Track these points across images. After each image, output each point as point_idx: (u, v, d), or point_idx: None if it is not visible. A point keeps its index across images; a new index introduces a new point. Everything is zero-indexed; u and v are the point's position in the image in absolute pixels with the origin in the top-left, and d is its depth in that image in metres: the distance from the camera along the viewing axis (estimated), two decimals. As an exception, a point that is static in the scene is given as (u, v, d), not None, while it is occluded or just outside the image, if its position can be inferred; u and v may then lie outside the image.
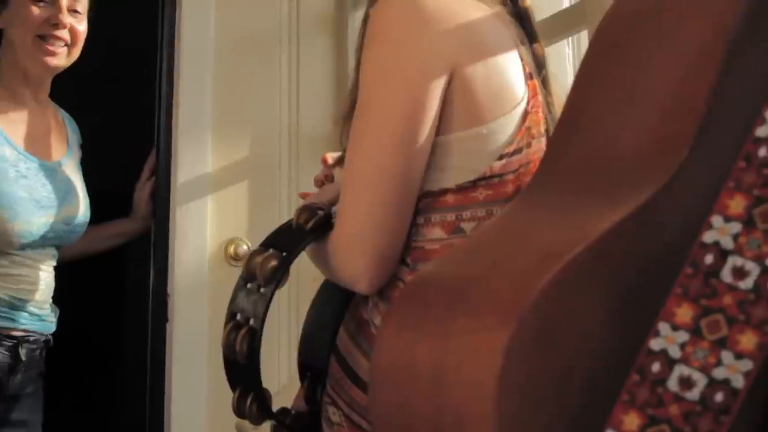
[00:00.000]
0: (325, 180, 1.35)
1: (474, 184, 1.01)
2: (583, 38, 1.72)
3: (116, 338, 3.78)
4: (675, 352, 0.52)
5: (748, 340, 0.53)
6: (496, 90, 1.03)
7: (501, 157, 1.02)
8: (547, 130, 1.09)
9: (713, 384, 0.52)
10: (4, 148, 1.79)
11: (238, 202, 2.26)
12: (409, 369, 0.54)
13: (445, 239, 1.01)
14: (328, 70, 2.39)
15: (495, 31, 1.07)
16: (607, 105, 0.65)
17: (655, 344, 0.52)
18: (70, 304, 1.99)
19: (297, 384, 1.14)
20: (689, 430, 0.52)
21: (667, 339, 0.52)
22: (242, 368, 0.99)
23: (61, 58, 1.88)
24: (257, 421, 1.02)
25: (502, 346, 0.49)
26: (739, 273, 0.54)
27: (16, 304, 1.78)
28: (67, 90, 2.06)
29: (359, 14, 2.34)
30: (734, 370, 0.53)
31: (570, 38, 1.76)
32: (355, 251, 0.99)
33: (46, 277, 1.88)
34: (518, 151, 1.03)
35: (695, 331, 0.52)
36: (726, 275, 0.54)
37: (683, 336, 0.52)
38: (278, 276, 0.99)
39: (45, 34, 1.85)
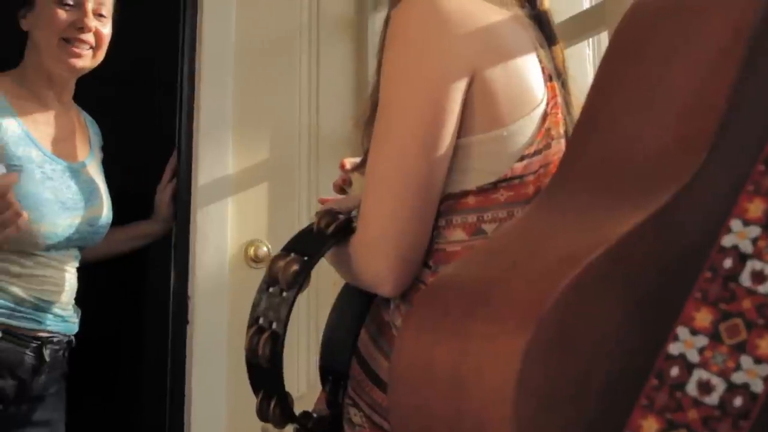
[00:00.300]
0: (343, 185, 1.35)
1: (495, 186, 1.01)
2: (604, 39, 1.72)
3: (136, 340, 3.79)
4: (694, 357, 0.52)
5: (767, 345, 0.53)
6: (516, 92, 1.04)
7: (521, 159, 1.02)
8: (566, 132, 1.09)
9: (732, 388, 0.52)
10: (30, 149, 1.80)
11: (258, 204, 2.27)
12: (428, 371, 0.54)
13: (466, 241, 1.01)
14: (348, 72, 2.39)
15: (514, 33, 1.07)
16: (627, 105, 0.65)
17: (673, 348, 0.52)
18: (91, 306, 2.01)
19: (317, 390, 1.14)
20: (708, 435, 0.52)
21: (685, 343, 0.52)
22: (265, 372, 0.99)
23: (86, 60, 1.90)
24: (280, 425, 1.02)
25: (521, 349, 0.49)
26: (758, 277, 0.54)
27: (41, 306, 1.80)
28: (89, 92, 2.07)
29: (379, 16, 2.35)
30: (753, 375, 0.52)
31: (590, 39, 1.76)
32: (378, 254, 1.00)
33: (69, 278, 1.89)
34: (538, 152, 1.03)
35: (714, 336, 0.52)
36: (745, 279, 0.54)
37: (702, 340, 0.52)
38: (300, 280, 0.99)
39: (70, 37, 1.87)
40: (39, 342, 1.80)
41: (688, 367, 0.52)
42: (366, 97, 2.28)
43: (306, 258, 1.01)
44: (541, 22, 1.14)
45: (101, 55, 1.95)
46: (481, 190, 1.02)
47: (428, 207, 1.01)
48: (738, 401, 0.52)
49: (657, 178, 0.56)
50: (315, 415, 1.09)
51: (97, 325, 2.07)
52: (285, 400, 1.01)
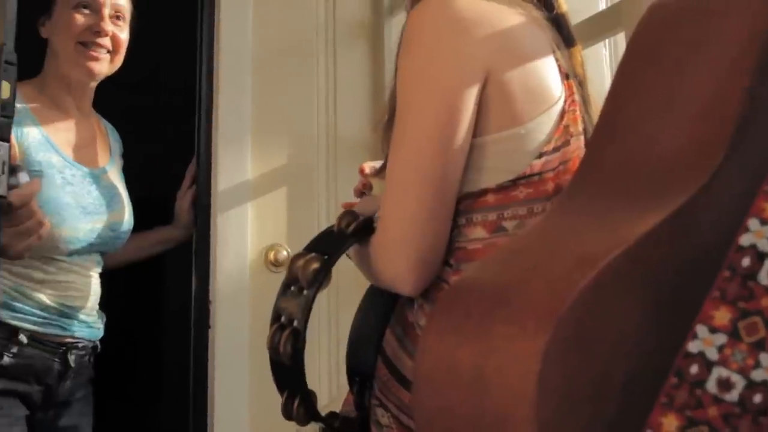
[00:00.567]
0: (363, 189, 1.36)
1: (514, 183, 1.03)
2: (620, 40, 1.72)
3: (156, 344, 3.82)
4: (713, 355, 0.52)
5: (786, 342, 0.53)
6: (533, 90, 1.05)
7: (540, 156, 1.03)
8: (585, 129, 1.10)
9: (752, 386, 0.53)
10: (50, 155, 1.82)
11: (277, 209, 2.28)
12: (451, 373, 0.55)
13: (487, 238, 1.02)
14: (365, 76, 2.41)
15: (530, 34, 1.08)
16: (645, 109, 0.65)
17: (692, 347, 0.52)
18: (112, 311, 2.02)
19: (342, 396, 1.15)
20: (728, 432, 0.52)
21: (704, 341, 0.52)
22: (287, 369, 1.01)
23: (104, 64, 1.91)
24: (303, 423, 1.03)
25: (541, 350, 0.49)
26: (777, 275, 0.55)
27: (66, 312, 1.81)
28: (108, 99, 2.09)
29: (396, 20, 2.36)
30: (772, 372, 0.53)
31: (607, 40, 1.76)
32: (398, 255, 1.01)
33: (93, 283, 1.91)
34: (557, 149, 1.04)
35: (733, 334, 0.52)
36: (763, 278, 0.55)
37: (721, 338, 0.52)
38: (320, 278, 1.01)
39: (87, 41, 1.88)
40: (64, 348, 1.82)
41: (707, 365, 0.52)
42: (383, 100, 2.30)
43: (326, 256, 1.02)
44: (558, 24, 1.15)
45: (119, 61, 1.96)
46: (501, 188, 1.03)
47: (446, 207, 1.02)
48: (758, 398, 0.53)
49: (674, 180, 0.57)
50: (342, 415, 1.10)
51: (119, 330, 2.09)
52: (308, 398, 1.03)
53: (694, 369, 0.52)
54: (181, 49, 2.51)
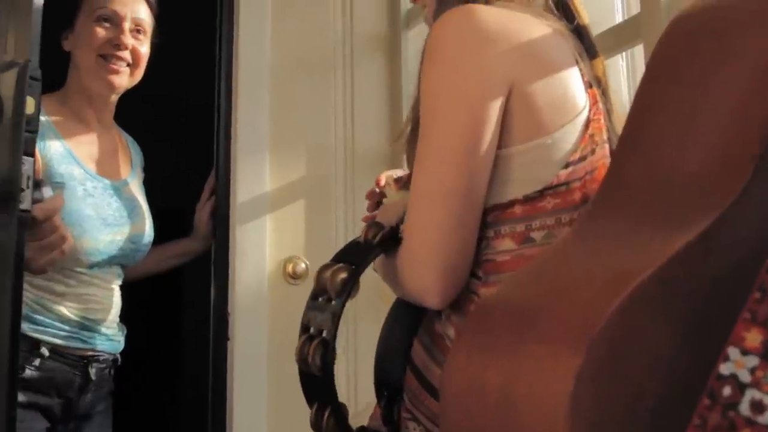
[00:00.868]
0: (379, 199, 1.37)
1: (541, 194, 1.03)
2: (638, 52, 1.72)
3: (177, 357, 3.83)
4: (745, 377, 0.52)
5: (817, 364, 0.53)
6: (558, 100, 1.05)
7: (567, 165, 1.03)
8: (609, 138, 1.10)
9: (784, 408, 0.53)
10: (72, 167, 1.83)
11: (295, 221, 2.29)
12: (479, 393, 0.55)
13: (515, 250, 1.02)
14: (382, 89, 2.41)
15: (555, 44, 1.08)
16: (668, 124, 0.65)
17: (724, 369, 0.52)
18: (131, 323, 2.03)
19: (367, 409, 1.15)
20: (761, 454, 0.52)
21: (736, 363, 0.52)
22: (317, 381, 1.01)
23: (123, 77, 1.93)
24: None
25: (573, 372, 0.49)
26: (808, 296, 0.54)
27: (86, 325, 1.82)
28: (129, 112, 2.10)
29: (412, 33, 2.37)
30: (805, 394, 0.53)
31: (624, 52, 1.76)
32: (425, 266, 1.01)
33: (113, 296, 1.92)
34: (583, 158, 1.04)
35: (765, 356, 0.52)
36: (794, 298, 0.55)
37: (753, 360, 0.52)
38: (348, 288, 1.01)
39: (107, 53, 1.90)
40: (85, 361, 1.82)
41: (740, 387, 0.52)
42: (400, 113, 2.31)
43: (354, 267, 1.02)
44: (580, 35, 1.15)
45: (139, 74, 1.98)
46: (528, 199, 1.03)
47: (472, 218, 1.02)
48: (790, 420, 0.52)
49: (702, 199, 0.57)
50: (371, 430, 1.09)
51: (137, 342, 2.10)
52: (339, 410, 1.02)
53: (726, 391, 0.52)
54: (201, 63, 2.52)
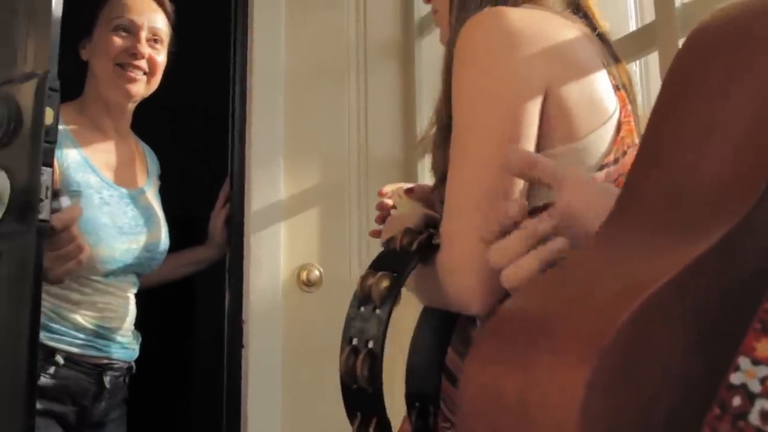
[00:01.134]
0: (383, 209, 1.36)
1: None
2: (652, 60, 1.72)
3: (191, 363, 3.84)
4: (755, 387, 0.52)
5: (829, 374, 0.53)
6: (590, 103, 1.04)
7: (602, 168, 1.03)
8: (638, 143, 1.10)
9: (795, 417, 0.53)
10: (89, 175, 1.85)
11: (309, 229, 2.30)
12: (494, 402, 0.56)
13: None
14: (396, 95, 2.42)
15: (583, 47, 1.08)
16: (686, 135, 0.65)
17: (735, 378, 0.53)
18: (145, 330, 2.04)
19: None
20: (772, 463, 0.52)
21: (747, 373, 0.53)
22: (365, 394, 0.96)
23: (140, 85, 1.95)
24: None
25: (584, 380, 0.50)
26: (819, 307, 0.55)
27: (102, 333, 1.83)
28: (145, 120, 2.12)
29: (426, 40, 2.38)
30: (816, 404, 0.53)
31: (638, 60, 1.76)
32: (469, 273, 0.98)
33: (129, 304, 1.93)
34: (616, 161, 1.04)
35: (775, 365, 0.53)
36: (805, 308, 0.55)
37: (764, 370, 0.53)
38: (393, 295, 0.97)
39: (124, 62, 1.92)
40: (100, 369, 1.84)
41: (750, 397, 0.52)
42: (414, 119, 2.31)
43: (395, 274, 0.99)
44: (603, 40, 1.15)
45: (155, 83, 2.00)
46: None
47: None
48: (801, 430, 0.53)
49: (717, 209, 0.57)
50: None
51: (151, 349, 2.11)
52: (386, 424, 0.98)
53: (736, 401, 0.52)
54: (216, 72, 2.54)
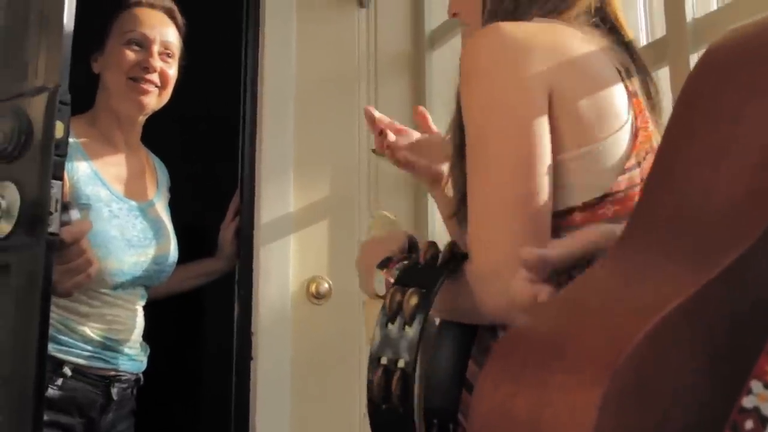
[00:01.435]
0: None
1: (601, 201, 1.02)
2: (663, 75, 1.71)
3: (200, 376, 3.84)
4: (767, 410, 0.52)
5: (842, 398, 0.53)
6: (601, 108, 1.04)
7: (624, 172, 1.03)
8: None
9: (808, 441, 0.53)
10: (98, 188, 1.85)
11: (319, 241, 2.30)
12: (506, 421, 0.56)
13: None
14: (407, 108, 2.42)
15: (592, 53, 1.08)
16: (700, 156, 0.65)
17: (747, 402, 0.52)
18: (154, 342, 2.04)
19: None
20: (785, 487, 0.52)
21: (759, 397, 0.52)
22: (394, 415, 0.94)
23: (152, 98, 1.95)
24: None
25: (597, 401, 0.50)
26: (832, 330, 0.54)
27: (110, 345, 1.83)
28: (154, 131, 2.12)
29: (437, 53, 2.38)
30: (828, 428, 0.53)
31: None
32: (504, 284, 0.94)
33: (137, 317, 1.93)
34: (638, 165, 1.04)
35: (788, 389, 0.52)
36: (819, 331, 0.55)
37: (776, 394, 0.52)
38: (423, 312, 0.95)
39: (137, 76, 1.93)
40: (108, 381, 1.84)
41: (762, 421, 0.52)
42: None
43: (424, 290, 0.97)
44: (628, 49, 1.16)
45: (167, 96, 2.00)
46: (587, 206, 1.02)
47: (544, 225, 1.00)
48: (814, 454, 0.52)
49: (730, 232, 0.57)
50: None
51: (160, 361, 2.11)
52: None
53: (749, 425, 0.52)
54: (226, 85, 2.55)
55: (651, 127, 1.09)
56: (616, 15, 1.18)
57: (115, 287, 1.85)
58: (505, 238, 0.99)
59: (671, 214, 0.63)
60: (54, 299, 1.67)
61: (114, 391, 1.85)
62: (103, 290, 1.83)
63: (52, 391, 1.73)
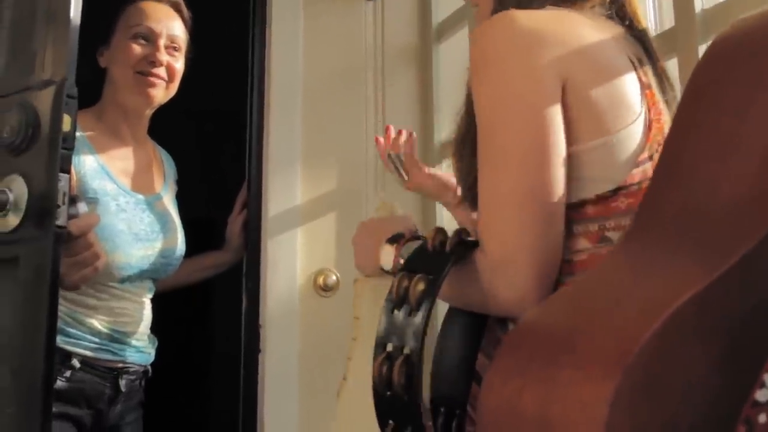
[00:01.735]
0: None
1: (614, 194, 1.01)
2: (671, 66, 1.70)
3: (208, 368, 3.85)
4: (781, 404, 0.52)
5: None
6: (615, 99, 1.04)
7: (637, 165, 1.02)
8: None
9: (821, 434, 0.52)
10: (105, 182, 1.85)
11: (326, 234, 2.30)
12: (514, 415, 0.55)
13: (591, 248, 1.00)
14: (414, 101, 2.42)
15: (605, 42, 1.07)
16: (706, 151, 0.65)
17: (760, 395, 0.52)
18: (162, 334, 2.04)
19: None
20: (798, 480, 0.51)
21: (773, 391, 0.52)
22: (398, 401, 0.93)
23: (159, 91, 1.95)
24: None
25: (609, 397, 0.49)
26: None
27: (117, 337, 1.84)
28: (162, 125, 2.12)
29: (443, 46, 2.37)
30: (842, 421, 0.52)
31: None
32: (522, 267, 0.97)
33: (144, 309, 1.93)
34: (651, 158, 1.03)
35: (802, 383, 0.52)
36: (831, 324, 0.54)
37: (790, 388, 0.52)
38: (430, 298, 0.95)
39: (143, 70, 1.92)
40: (116, 373, 1.84)
41: (776, 415, 0.52)
42: (432, 125, 2.31)
43: (431, 276, 0.97)
44: (641, 40, 1.15)
45: (173, 89, 2.00)
46: (600, 198, 1.01)
47: (557, 215, 1.00)
48: (827, 447, 0.52)
49: (738, 227, 0.57)
50: None
51: (167, 353, 2.11)
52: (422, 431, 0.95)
53: (762, 418, 0.52)
54: (234, 77, 2.54)
55: (664, 118, 1.09)
56: (633, 8, 1.17)
57: (123, 280, 1.85)
58: (515, 229, 0.98)
59: (678, 209, 0.63)
60: (62, 292, 1.68)
61: (122, 382, 1.85)
62: (111, 283, 1.83)
63: (60, 383, 1.73)
